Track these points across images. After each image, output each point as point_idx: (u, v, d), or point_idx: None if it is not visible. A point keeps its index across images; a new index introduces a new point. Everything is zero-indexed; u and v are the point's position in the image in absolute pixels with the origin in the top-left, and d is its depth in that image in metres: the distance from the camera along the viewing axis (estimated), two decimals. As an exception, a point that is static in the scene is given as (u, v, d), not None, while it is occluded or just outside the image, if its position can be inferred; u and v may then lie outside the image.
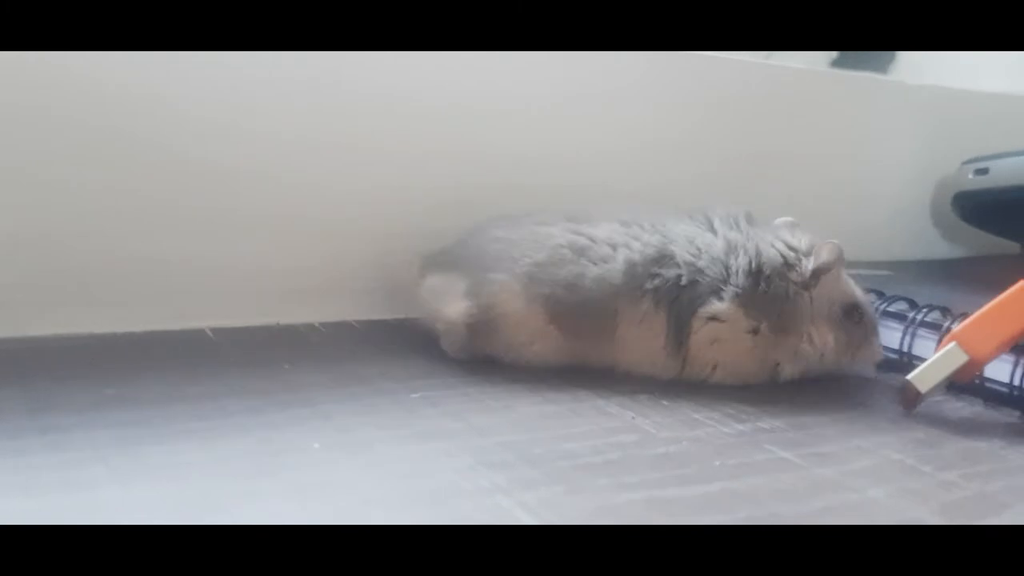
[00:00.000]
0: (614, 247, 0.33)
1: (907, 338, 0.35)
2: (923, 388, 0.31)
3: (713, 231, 0.34)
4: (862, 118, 0.53)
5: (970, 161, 0.50)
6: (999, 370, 0.33)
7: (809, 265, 0.33)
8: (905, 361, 0.35)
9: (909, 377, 0.31)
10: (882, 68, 0.64)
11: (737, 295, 0.33)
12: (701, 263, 0.33)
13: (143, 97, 0.33)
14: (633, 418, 0.29)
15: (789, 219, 0.36)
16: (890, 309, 0.37)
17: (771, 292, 0.33)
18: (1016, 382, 0.32)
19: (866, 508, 0.24)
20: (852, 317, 0.34)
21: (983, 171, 0.49)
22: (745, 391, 0.33)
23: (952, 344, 0.31)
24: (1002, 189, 0.48)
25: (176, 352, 0.32)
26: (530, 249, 0.33)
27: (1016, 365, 0.32)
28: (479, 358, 0.33)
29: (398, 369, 0.32)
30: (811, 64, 0.64)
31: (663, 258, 0.33)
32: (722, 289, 0.33)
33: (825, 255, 0.34)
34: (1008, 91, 0.57)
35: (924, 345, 0.35)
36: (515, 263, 0.33)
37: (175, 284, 0.34)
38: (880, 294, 0.38)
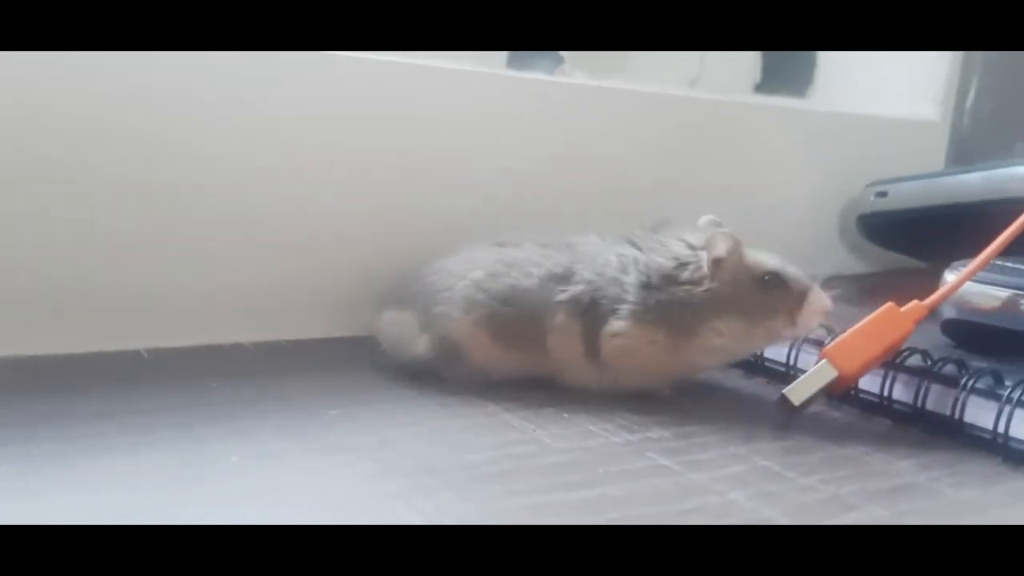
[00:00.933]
0: (536, 265, 0.36)
1: (793, 352, 0.39)
2: (796, 401, 0.34)
3: (614, 248, 0.37)
4: (776, 144, 0.56)
5: (872, 184, 0.54)
6: (872, 382, 0.36)
7: (706, 259, 0.36)
8: (792, 374, 0.38)
9: (785, 391, 0.34)
10: (801, 92, 0.68)
11: (633, 312, 0.35)
12: (601, 281, 0.36)
13: (77, 119, 0.35)
14: (534, 430, 0.32)
15: (710, 217, 0.39)
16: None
17: (664, 301, 0.35)
18: (886, 393, 0.35)
19: (724, 510, 0.27)
20: (769, 286, 0.36)
21: (883, 194, 0.53)
22: (643, 404, 0.35)
23: (824, 361, 0.34)
24: (899, 212, 0.52)
25: (110, 372, 0.34)
26: (467, 271, 0.36)
27: (886, 377, 0.35)
28: (469, 377, 0.36)
29: (319, 387, 0.34)
30: (737, 82, 0.69)
31: (570, 275, 0.36)
32: (619, 307, 0.36)
33: (719, 246, 0.35)
34: (910, 116, 0.61)
35: (807, 359, 0.38)
36: (455, 290, 0.36)
37: (111, 306, 0.36)
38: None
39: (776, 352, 0.39)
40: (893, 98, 0.61)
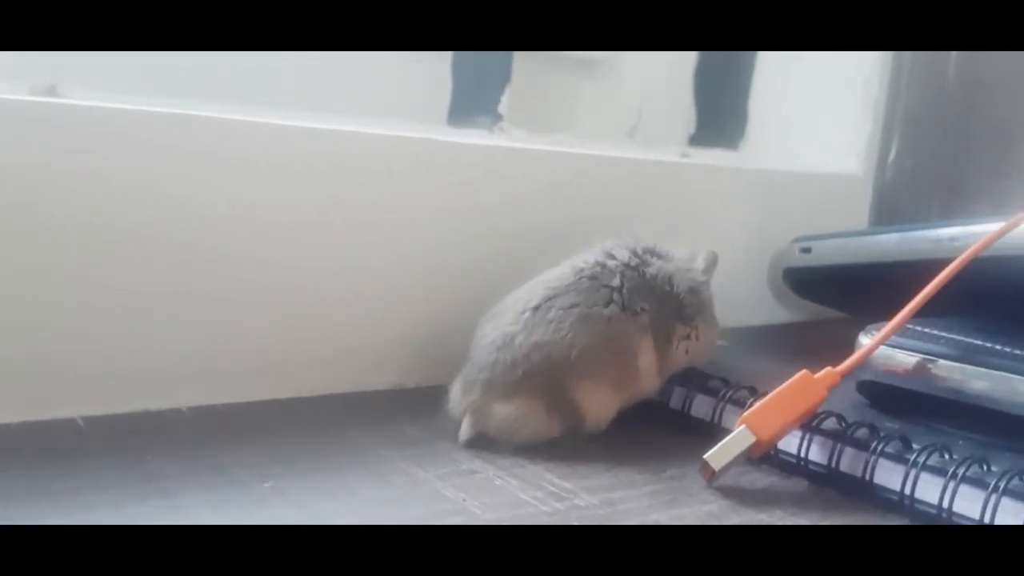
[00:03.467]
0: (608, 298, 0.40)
1: (717, 412, 0.40)
2: (716, 466, 0.35)
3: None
4: (707, 200, 0.58)
5: (797, 240, 0.56)
6: (791, 443, 0.37)
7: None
8: (715, 432, 0.40)
9: (706, 456, 0.35)
10: (733, 144, 0.70)
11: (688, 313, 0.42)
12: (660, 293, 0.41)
13: None
14: (464, 500, 0.33)
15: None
16: (708, 385, 0.42)
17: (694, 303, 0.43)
18: (803, 454, 0.37)
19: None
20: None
21: (807, 250, 0.55)
22: (573, 470, 0.37)
23: (743, 427, 0.36)
24: (822, 268, 0.54)
25: (45, 444, 0.34)
26: (558, 335, 0.38)
27: (802, 439, 0.37)
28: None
29: (254, 457, 0.35)
30: (673, 133, 0.71)
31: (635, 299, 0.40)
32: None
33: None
34: (835, 171, 0.63)
35: (730, 419, 0.40)
36: (567, 357, 0.38)
37: (46, 372, 0.36)
38: (700, 372, 0.42)
39: (700, 408, 0.41)
40: (819, 153, 0.64)
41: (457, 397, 0.39)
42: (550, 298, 0.38)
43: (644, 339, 0.39)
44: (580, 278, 0.39)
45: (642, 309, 0.39)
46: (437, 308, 0.46)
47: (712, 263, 0.43)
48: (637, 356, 0.39)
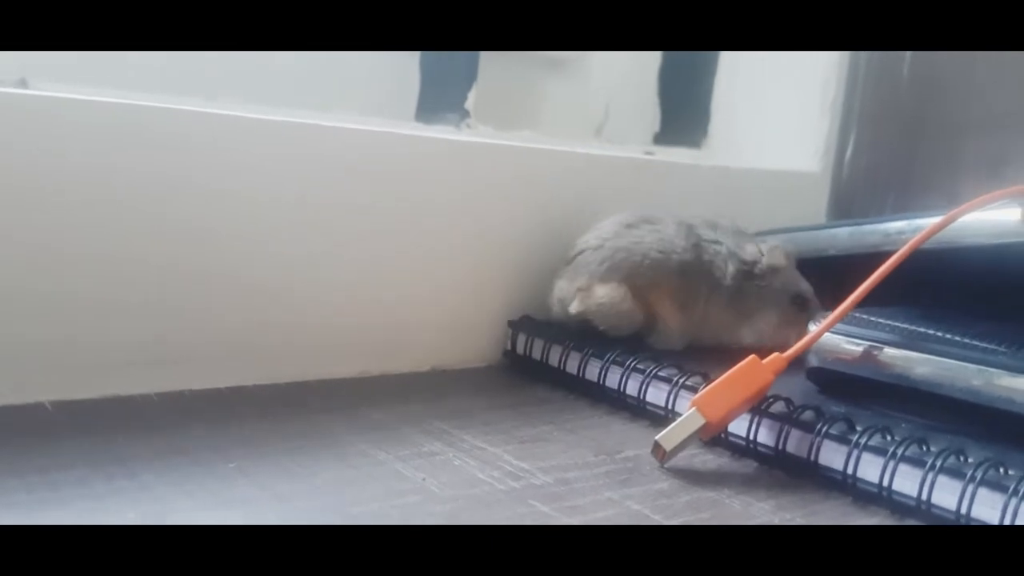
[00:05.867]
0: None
1: (671, 398, 0.42)
2: (668, 446, 0.36)
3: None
4: (670, 196, 0.59)
5: (756, 235, 0.57)
6: (739, 426, 0.39)
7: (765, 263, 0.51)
8: (669, 417, 0.41)
9: (657, 437, 0.37)
10: (696, 142, 0.72)
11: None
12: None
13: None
14: (423, 479, 0.34)
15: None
16: (660, 373, 0.43)
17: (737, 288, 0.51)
18: (752, 436, 0.38)
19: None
20: (796, 303, 0.50)
21: (765, 244, 0.56)
22: (531, 451, 0.38)
23: (693, 409, 0.37)
24: (779, 260, 0.55)
25: (12, 427, 0.35)
26: (653, 248, 0.49)
27: (751, 422, 0.39)
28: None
29: (220, 438, 0.36)
30: (639, 131, 0.72)
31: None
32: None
33: (780, 258, 0.50)
34: (794, 169, 0.65)
35: (684, 404, 0.41)
36: (651, 263, 0.49)
37: (14, 357, 0.37)
38: (656, 361, 0.44)
39: (655, 395, 0.42)
40: (779, 150, 0.65)
41: (564, 286, 0.49)
42: (643, 222, 0.49)
43: (708, 291, 0.49)
44: (679, 225, 0.49)
45: (707, 272, 0.49)
46: (401, 298, 0.47)
47: (774, 262, 0.50)
48: (698, 299, 0.49)
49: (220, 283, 0.42)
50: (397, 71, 0.58)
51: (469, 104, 0.57)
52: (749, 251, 0.50)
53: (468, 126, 0.57)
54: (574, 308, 0.47)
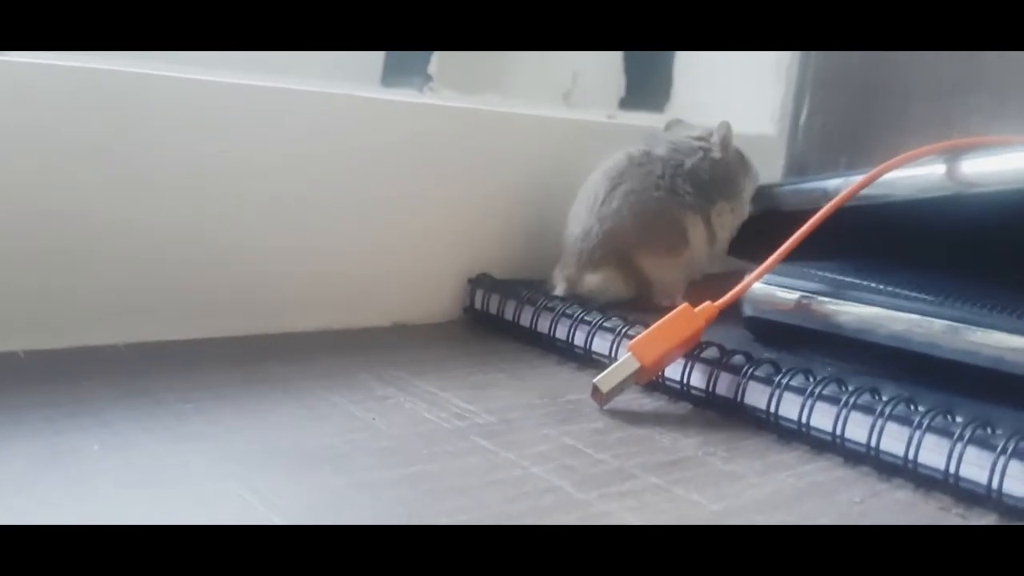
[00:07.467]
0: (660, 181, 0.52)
1: (614, 347, 0.44)
2: (604, 388, 0.39)
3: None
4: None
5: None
6: (675, 370, 0.41)
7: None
8: (589, 357, 0.43)
9: (595, 380, 0.39)
10: (660, 107, 0.73)
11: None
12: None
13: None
14: (373, 419, 0.36)
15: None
16: (605, 324, 0.45)
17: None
18: (685, 380, 0.41)
19: (522, 480, 0.32)
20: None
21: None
22: (480, 394, 0.40)
23: (629, 354, 0.39)
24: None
25: (-14, 372, 0.37)
26: (617, 215, 0.51)
27: (685, 366, 0.41)
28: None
29: (182, 382, 0.38)
30: (606, 96, 0.74)
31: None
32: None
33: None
34: (751, 132, 0.67)
35: (601, 343, 0.44)
36: (629, 230, 0.51)
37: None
38: (602, 313, 0.46)
39: (603, 347, 0.45)
40: (736, 115, 0.67)
41: (558, 273, 0.51)
42: (611, 189, 0.51)
43: (690, 215, 0.51)
44: (631, 165, 0.51)
45: (685, 192, 0.51)
46: (364, 255, 0.49)
47: (725, 139, 0.53)
48: (686, 229, 0.51)
49: (186, 239, 0.44)
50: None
51: (432, 69, 0.59)
52: (697, 131, 0.54)
53: (431, 90, 0.59)
54: (560, 291, 0.51)
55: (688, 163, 0.52)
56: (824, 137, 0.67)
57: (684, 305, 0.40)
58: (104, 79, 0.40)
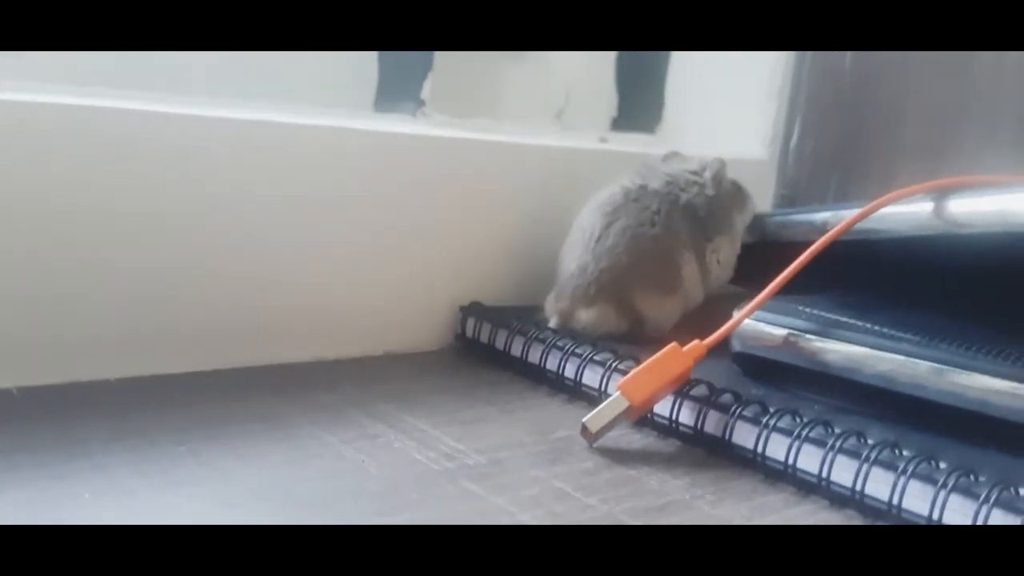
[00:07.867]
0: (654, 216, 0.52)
1: (604, 381, 0.44)
2: (594, 428, 0.39)
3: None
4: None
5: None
6: (664, 407, 0.42)
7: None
8: (603, 399, 0.43)
9: (584, 420, 0.39)
10: (651, 128, 0.74)
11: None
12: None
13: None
14: (363, 461, 0.37)
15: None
16: (596, 357, 0.45)
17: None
18: (674, 417, 0.41)
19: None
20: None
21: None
22: (470, 432, 0.41)
23: (618, 393, 0.40)
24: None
25: (-20, 412, 0.38)
26: (613, 253, 0.51)
27: (674, 404, 0.41)
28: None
29: (175, 421, 0.38)
30: (598, 116, 0.74)
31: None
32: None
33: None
34: (742, 155, 0.67)
35: (592, 376, 0.45)
36: (626, 266, 0.51)
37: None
38: (593, 346, 0.46)
39: (592, 379, 0.45)
40: (728, 137, 0.68)
41: (551, 305, 0.51)
42: (606, 225, 0.50)
43: (685, 252, 0.51)
44: (627, 200, 0.51)
45: (680, 229, 0.51)
46: (355, 285, 0.50)
47: (717, 175, 0.53)
48: (680, 267, 0.51)
49: (176, 274, 0.44)
50: (356, 60, 0.60)
51: (425, 94, 0.59)
52: (693, 164, 0.54)
53: (424, 115, 0.59)
54: (553, 324, 0.51)
55: (683, 198, 0.52)
56: (815, 161, 0.67)
57: (672, 345, 0.40)
58: (92, 117, 0.41)
